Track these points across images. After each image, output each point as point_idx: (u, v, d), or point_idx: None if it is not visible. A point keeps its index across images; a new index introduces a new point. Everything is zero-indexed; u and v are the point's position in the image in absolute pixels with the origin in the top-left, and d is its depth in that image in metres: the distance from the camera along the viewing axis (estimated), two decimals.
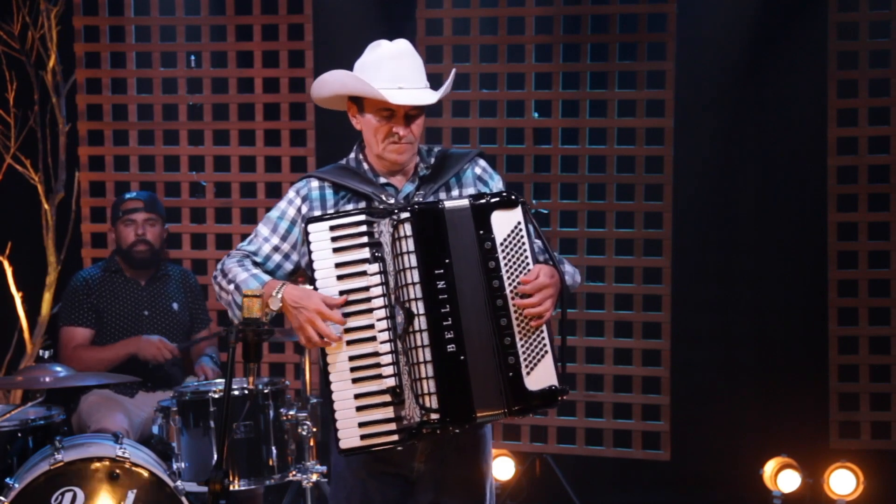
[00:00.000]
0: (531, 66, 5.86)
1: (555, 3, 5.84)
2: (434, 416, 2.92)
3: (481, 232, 3.00)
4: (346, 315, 2.98)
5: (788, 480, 5.54)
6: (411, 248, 2.96)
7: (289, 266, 3.21)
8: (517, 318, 2.99)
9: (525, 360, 2.99)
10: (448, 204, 3.01)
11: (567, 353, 3.11)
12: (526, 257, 3.02)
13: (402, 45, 3.18)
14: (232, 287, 3.12)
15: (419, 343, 2.93)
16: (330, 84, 3.20)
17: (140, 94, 5.99)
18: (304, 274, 3.21)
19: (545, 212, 5.83)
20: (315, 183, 3.22)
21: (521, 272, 3.01)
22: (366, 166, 3.22)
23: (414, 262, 2.95)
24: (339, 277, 3.00)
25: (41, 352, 4.46)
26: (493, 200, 3.02)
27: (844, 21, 5.66)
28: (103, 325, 4.98)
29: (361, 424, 2.96)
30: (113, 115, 6.00)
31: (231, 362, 3.14)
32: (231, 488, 4.40)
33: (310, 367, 4.92)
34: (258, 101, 5.95)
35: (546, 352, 3.00)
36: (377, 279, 2.98)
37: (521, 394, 2.97)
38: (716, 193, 5.94)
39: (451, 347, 2.93)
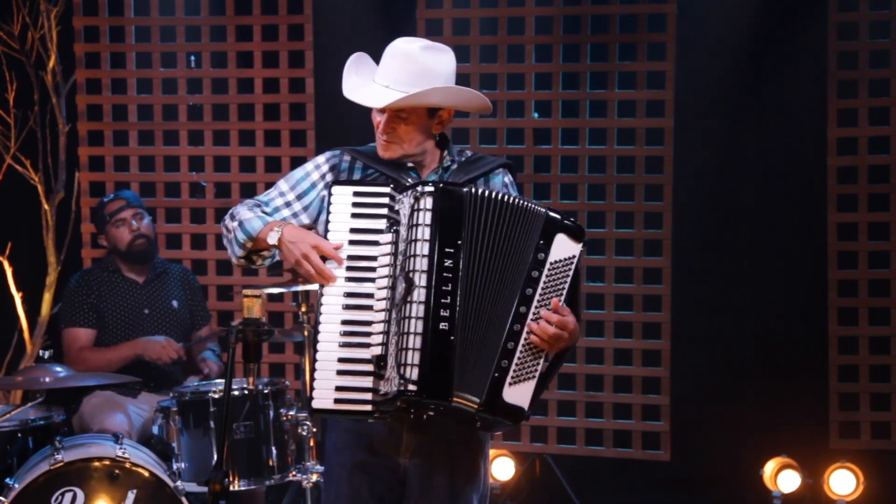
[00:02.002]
0: (531, 66, 5.86)
1: (555, 4, 5.84)
2: (412, 387, 2.88)
3: (541, 242, 3.02)
4: (349, 280, 2.99)
5: (788, 480, 5.55)
6: (427, 221, 2.96)
7: (295, 222, 3.20)
8: (527, 333, 3.00)
9: (514, 372, 2.99)
10: (515, 201, 3.01)
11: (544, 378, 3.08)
12: (563, 288, 3.04)
13: (408, 46, 3.16)
14: (235, 224, 3.14)
15: (413, 314, 2.91)
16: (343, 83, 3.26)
17: (140, 95, 5.99)
18: None
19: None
20: (347, 157, 3.24)
21: (551, 295, 3.02)
22: None
23: (427, 236, 2.95)
24: (351, 242, 3.01)
25: (41, 352, 4.46)
26: (566, 223, 3.06)
27: (844, 21, 5.66)
28: (104, 324, 4.98)
29: (339, 388, 2.94)
30: (113, 116, 6.00)
31: (231, 362, 3.14)
32: (231, 488, 4.40)
33: (309, 367, 4.91)
34: (258, 101, 5.95)
35: (533, 377, 3.01)
36: (387, 248, 2.98)
37: (494, 398, 2.97)
38: (716, 193, 5.94)
39: (443, 325, 2.92)
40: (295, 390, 5.64)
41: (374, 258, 2.99)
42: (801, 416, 5.76)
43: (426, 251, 2.94)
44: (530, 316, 2.99)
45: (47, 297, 5.70)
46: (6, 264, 5.67)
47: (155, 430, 4.56)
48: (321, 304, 2.99)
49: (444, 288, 2.93)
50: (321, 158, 3.26)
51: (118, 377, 4.66)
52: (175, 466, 4.36)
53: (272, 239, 3.06)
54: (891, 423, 5.65)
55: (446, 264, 2.94)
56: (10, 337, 5.73)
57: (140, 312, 5.03)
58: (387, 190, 3.03)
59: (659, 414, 5.79)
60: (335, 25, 5.93)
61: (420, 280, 2.93)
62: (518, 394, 3.00)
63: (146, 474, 4.17)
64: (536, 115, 5.88)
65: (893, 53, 5.63)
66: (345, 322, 2.98)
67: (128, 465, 4.14)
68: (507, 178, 3.30)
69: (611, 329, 5.82)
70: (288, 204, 3.21)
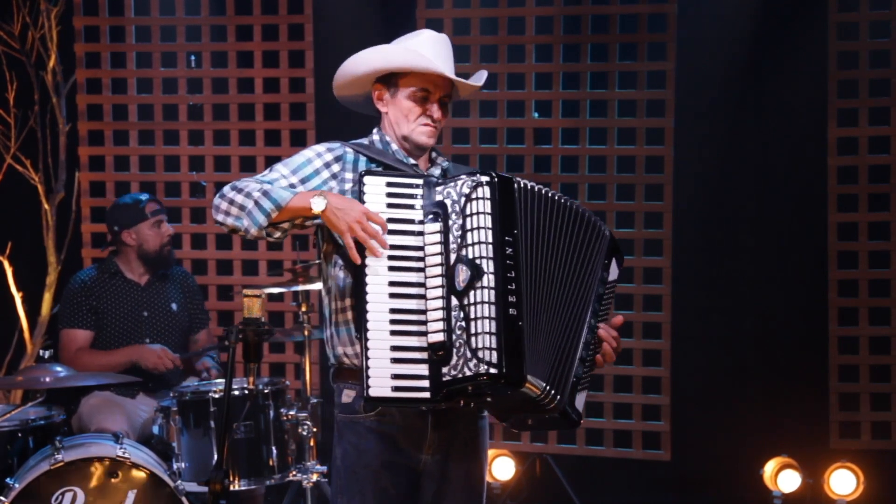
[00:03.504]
0: (531, 66, 5.86)
1: (555, 3, 5.84)
2: (493, 370, 2.88)
3: (606, 262, 3.19)
4: (393, 269, 2.98)
5: (788, 480, 5.54)
6: (488, 208, 2.96)
7: None
8: (593, 344, 3.16)
9: (583, 380, 3.12)
10: (563, 200, 3.11)
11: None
12: (611, 306, 3.22)
13: (444, 36, 3.26)
14: (257, 193, 3.05)
15: (485, 299, 2.91)
16: (369, 59, 3.22)
17: (140, 94, 5.99)
18: (331, 240, 3.18)
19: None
20: (349, 149, 3.22)
21: (607, 314, 3.20)
22: (394, 147, 3.25)
23: (489, 223, 2.95)
24: (390, 232, 3.00)
25: (41, 352, 4.46)
26: (619, 247, 3.26)
27: (844, 21, 5.66)
28: (103, 326, 4.98)
29: (395, 376, 2.93)
30: (113, 115, 6.01)
31: (231, 362, 3.14)
32: (231, 488, 4.40)
33: (310, 367, 4.92)
34: (258, 101, 5.96)
35: (587, 387, 3.16)
36: (436, 237, 2.98)
37: (571, 402, 3.06)
38: (716, 193, 5.94)
39: (512, 311, 2.93)
40: (295, 390, 5.64)
41: (418, 248, 2.99)
42: (801, 416, 5.76)
43: (490, 238, 2.95)
44: (598, 327, 3.15)
45: (47, 297, 5.70)
46: (6, 264, 5.68)
47: (155, 430, 4.56)
48: (367, 294, 2.96)
49: (508, 275, 2.95)
50: (321, 148, 3.22)
51: (118, 377, 4.66)
52: (175, 466, 4.36)
53: (318, 206, 3.00)
54: (891, 423, 5.65)
55: (508, 252, 2.96)
56: (10, 337, 5.73)
57: (139, 315, 5.02)
58: (420, 181, 3.04)
59: (659, 414, 5.79)
60: (335, 25, 5.93)
61: (488, 266, 2.93)
62: (581, 401, 3.13)
63: (146, 474, 4.17)
64: (536, 114, 5.88)
65: (893, 53, 5.64)
66: (394, 311, 2.97)
67: (128, 465, 4.14)
68: None
69: None
70: (292, 186, 3.14)
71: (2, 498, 4.03)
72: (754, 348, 5.93)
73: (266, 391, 4.51)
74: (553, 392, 2.98)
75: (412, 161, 3.23)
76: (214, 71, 5.97)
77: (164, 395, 4.73)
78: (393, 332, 2.95)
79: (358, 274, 3.00)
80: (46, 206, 5.77)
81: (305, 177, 3.17)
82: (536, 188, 3.07)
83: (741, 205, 5.94)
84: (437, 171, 3.26)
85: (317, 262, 4.06)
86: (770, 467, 5.59)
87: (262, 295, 3.10)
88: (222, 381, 4.74)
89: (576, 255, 3.11)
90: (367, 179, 3.02)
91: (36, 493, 4.06)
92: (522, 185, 3.04)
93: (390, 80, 3.22)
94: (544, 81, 5.87)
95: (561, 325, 3.05)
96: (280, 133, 5.99)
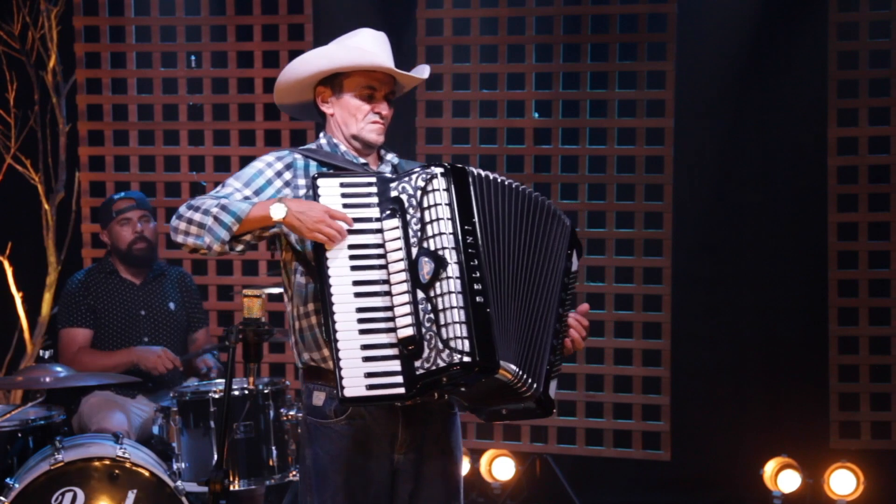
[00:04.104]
0: (531, 66, 5.86)
1: (555, 3, 5.84)
2: (466, 358, 2.87)
3: (569, 252, 3.19)
4: (356, 269, 2.99)
5: (788, 480, 5.54)
6: (445, 200, 2.97)
7: None
8: (562, 333, 3.15)
9: (555, 368, 3.11)
10: (543, 200, 3.15)
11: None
12: (574, 296, 3.22)
13: (381, 34, 3.30)
14: (215, 209, 3.04)
15: (451, 289, 2.91)
16: (315, 62, 3.24)
17: (140, 94, 5.99)
18: (289, 248, 3.19)
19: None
20: (298, 155, 3.24)
21: (573, 304, 3.20)
22: (343, 148, 3.26)
23: (447, 214, 2.95)
24: (349, 233, 3.00)
25: (41, 352, 4.47)
26: (578, 241, 3.25)
27: (844, 21, 5.66)
28: (100, 325, 4.98)
29: (369, 374, 2.93)
30: (113, 115, 6.01)
31: (231, 362, 3.13)
32: (231, 488, 4.40)
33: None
34: (258, 101, 5.95)
35: (557, 375, 3.14)
36: (396, 233, 2.99)
37: (546, 389, 3.06)
38: (716, 193, 5.94)
39: (479, 298, 2.93)
40: (295, 390, 5.64)
41: (379, 245, 2.99)
42: (801, 416, 5.76)
43: (450, 229, 2.95)
44: (564, 315, 3.14)
45: (47, 297, 5.70)
46: (6, 264, 5.67)
47: (155, 430, 4.56)
48: (331, 296, 2.96)
49: (472, 263, 2.95)
50: (270, 157, 3.23)
51: (118, 377, 4.66)
52: (175, 466, 4.37)
53: (278, 213, 3.00)
54: (891, 423, 5.65)
55: (468, 241, 2.96)
56: (10, 337, 5.73)
57: (136, 314, 5.02)
58: (373, 179, 3.05)
59: (659, 414, 5.79)
60: (335, 25, 5.90)
61: (450, 257, 2.93)
62: (553, 389, 3.12)
63: (146, 474, 4.17)
64: (537, 114, 5.88)
65: (893, 53, 5.63)
66: (361, 309, 2.96)
67: (128, 465, 4.14)
68: None
69: (611, 329, 5.82)
70: (246, 199, 3.14)
71: (2, 498, 4.03)
72: (754, 348, 5.92)
73: (266, 391, 4.51)
74: (526, 377, 2.98)
75: (362, 160, 3.25)
76: (214, 71, 5.97)
77: (164, 396, 4.74)
78: (362, 332, 2.95)
79: (321, 278, 2.99)
80: (46, 206, 5.77)
81: (259, 188, 3.17)
82: (491, 177, 3.06)
83: (741, 205, 5.93)
84: (387, 169, 3.27)
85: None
86: (770, 467, 5.59)
87: (262, 295, 3.10)
88: (222, 381, 4.74)
89: (538, 242, 3.10)
90: (320, 182, 3.03)
91: (36, 494, 4.06)
92: (477, 175, 3.04)
93: (334, 81, 3.24)
94: (544, 81, 5.87)
95: (529, 311, 3.05)
96: (280, 133, 5.99)
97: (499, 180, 3.08)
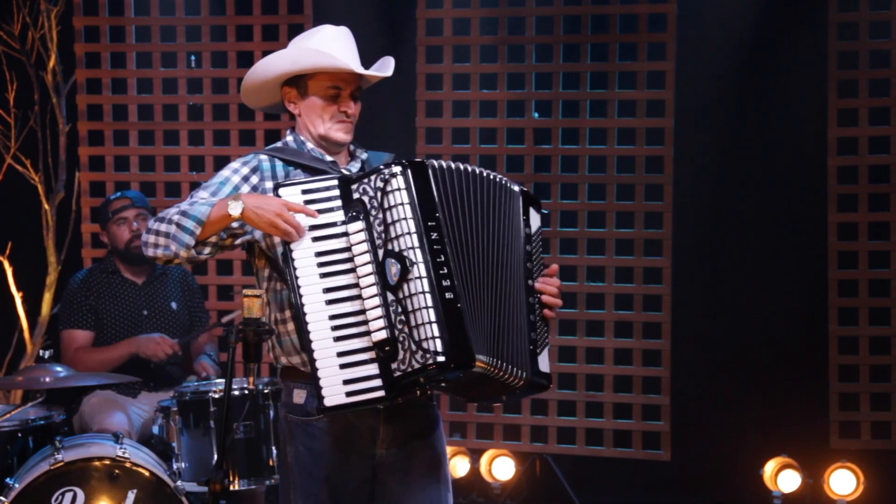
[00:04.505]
0: (531, 66, 5.86)
1: (555, 3, 5.84)
2: (440, 358, 2.88)
3: (524, 217, 3.16)
4: (325, 276, 2.98)
5: (788, 480, 5.55)
6: (405, 199, 2.96)
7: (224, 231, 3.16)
8: (537, 305, 3.13)
9: (540, 342, 3.11)
10: (458, 165, 3.08)
11: (565, 353, 3.18)
12: (541, 256, 3.18)
13: (344, 28, 3.33)
14: (176, 216, 3.05)
15: (419, 289, 2.91)
16: (278, 63, 3.25)
17: (140, 94, 5.99)
18: (262, 255, 3.19)
19: (545, 212, 5.83)
20: (264, 156, 3.23)
21: (540, 267, 3.17)
22: (309, 146, 3.26)
23: (409, 213, 2.95)
24: (315, 239, 3.00)
25: (41, 352, 4.46)
26: (533, 197, 3.21)
27: (844, 21, 5.66)
28: (103, 325, 4.98)
29: (347, 381, 2.93)
30: (113, 115, 6.01)
31: (231, 362, 3.13)
32: (231, 488, 4.40)
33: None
34: None
35: (548, 344, 3.14)
36: (361, 236, 2.98)
37: (535, 368, 3.07)
38: (716, 193, 5.94)
39: (448, 295, 2.93)
40: None
41: (345, 249, 2.99)
42: (801, 416, 5.76)
43: (413, 228, 2.95)
44: (535, 286, 3.12)
45: (47, 297, 5.70)
46: (6, 264, 5.68)
47: (155, 430, 4.56)
48: (303, 306, 2.97)
49: (438, 260, 2.94)
50: (236, 164, 3.23)
51: (118, 377, 4.66)
52: (175, 466, 4.36)
53: (235, 210, 3.00)
54: (891, 423, 5.65)
55: (433, 237, 2.95)
56: (10, 337, 5.73)
57: (139, 313, 5.03)
58: (334, 182, 3.04)
59: (659, 414, 5.79)
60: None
61: (415, 256, 2.93)
62: (544, 361, 3.12)
63: (146, 474, 4.17)
64: (536, 114, 5.88)
65: (893, 53, 5.63)
66: (333, 317, 2.97)
67: (128, 465, 4.14)
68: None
69: (611, 329, 5.82)
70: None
71: (2, 498, 4.03)
72: (754, 348, 5.92)
73: (266, 391, 4.50)
74: (506, 364, 2.99)
75: (329, 158, 3.24)
76: (214, 71, 5.97)
77: (166, 393, 4.74)
78: (336, 339, 2.96)
79: (291, 286, 3.00)
80: (46, 206, 5.77)
81: (225, 196, 3.14)
82: (452, 166, 3.06)
83: (741, 205, 5.93)
84: (356, 166, 3.27)
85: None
86: (770, 467, 5.60)
87: (262, 295, 3.10)
88: (222, 381, 4.74)
89: (497, 221, 3.09)
90: (281, 192, 3.03)
91: (36, 493, 4.06)
92: (437, 166, 3.04)
93: (299, 81, 3.25)
94: (544, 81, 5.87)
95: (500, 296, 3.05)
96: (280, 133, 5.98)
97: (460, 168, 3.07)
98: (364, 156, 3.32)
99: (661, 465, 5.82)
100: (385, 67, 3.29)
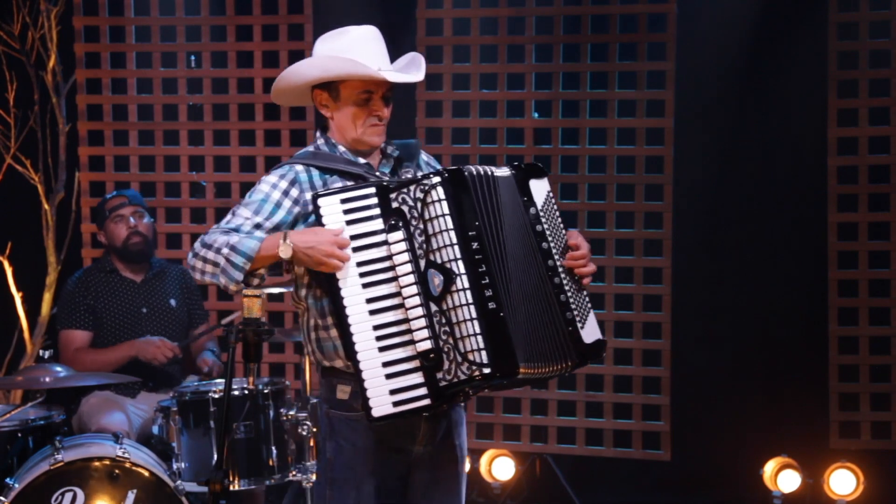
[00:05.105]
0: (531, 66, 5.86)
1: (555, 3, 5.84)
2: (486, 370, 2.93)
3: (525, 199, 3.14)
4: (367, 286, 3.01)
5: (788, 480, 5.55)
6: (445, 210, 2.99)
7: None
8: (567, 277, 3.12)
9: (578, 316, 3.11)
10: (489, 170, 3.08)
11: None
12: (560, 222, 3.19)
13: (372, 28, 3.32)
14: (226, 250, 3.05)
15: (462, 302, 2.95)
16: (308, 71, 3.26)
17: (140, 94, 5.99)
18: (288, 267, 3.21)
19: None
20: (300, 167, 3.22)
21: (560, 235, 3.16)
22: (342, 149, 3.25)
23: (450, 225, 2.98)
24: (356, 249, 3.02)
25: (41, 352, 4.47)
26: (530, 168, 3.18)
27: (844, 21, 5.66)
28: (102, 324, 4.98)
29: (393, 391, 2.98)
30: (113, 115, 6.01)
31: (231, 362, 3.13)
32: (231, 488, 4.39)
33: (310, 367, 4.91)
34: (258, 101, 5.95)
35: (590, 308, 3.16)
36: (402, 246, 3.01)
37: (580, 346, 3.10)
38: (716, 193, 5.94)
39: (491, 305, 2.97)
40: (295, 390, 5.64)
41: (386, 258, 3.02)
42: (801, 416, 5.76)
43: (455, 240, 2.98)
44: (558, 262, 3.11)
45: (47, 297, 5.70)
46: (6, 264, 5.68)
47: (155, 430, 4.56)
48: (347, 317, 3.00)
49: (480, 270, 2.98)
50: (273, 178, 3.20)
51: (118, 377, 4.67)
52: (175, 466, 4.36)
53: (285, 253, 3.02)
54: (891, 423, 5.65)
55: (474, 247, 2.99)
56: (10, 337, 5.73)
57: (138, 312, 5.03)
58: (373, 190, 3.06)
59: (659, 414, 5.79)
60: (335, 25, 5.86)
61: (458, 268, 2.96)
62: (591, 329, 3.13)
63: (146, 474, 4.17)
64: (536, 114, 5.88)
65: (893, 53, 5.63)
66: (377, 327, 3.01)
67: (128, 465, 4.14)
68: (425, 156, 3.41)
69: (611, 329, 5.82)
70: (259, 226, 3.13)
71: (2, 498, 4.03)
72: (754, 348, 5.93)
73: (266, 391, 4.50)
74: (547, 364, 3.04)
75: (363, 161, 3.24)
76: (214, 71, 5.97)
77: (166, 394, 4.73)
78: (381, 349, 3.00)
79: (334, 297, 3.03)
80: (46, 206, 5.77)
81: (269, 214, 3.16)
82: (486, 173, 3.08)
83: (741, 204, 5.93)
84: (388, 166, 3.27)
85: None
86: (770, 467, 5.59)
87: (262, 295, 3.10)
88: (222, 380, 4.74)
89: (510, 217, 3.10)
90: (321, 202, 3.04)
91: (36, 493, 4.06)
92: (475, 173, 3.05)
93: (330, 85, 3.24)
94: (544, 81, 5.86)
95: (530, 291, 3.07)
96: (280, 133, 5.99)
97: (492, 175, 3.09)
98: (396, 153, 3.31)
99: (661, 465, 5.82)
100: (414, 70, 3.28)
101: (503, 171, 3.13)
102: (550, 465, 5.76)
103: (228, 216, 3.18)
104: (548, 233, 3.14)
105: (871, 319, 5.67)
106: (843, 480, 5.50)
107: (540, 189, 3.17)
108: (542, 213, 3.15)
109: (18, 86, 5.74)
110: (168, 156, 6.00)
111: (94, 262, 5.25)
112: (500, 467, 5.80)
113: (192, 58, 5.97)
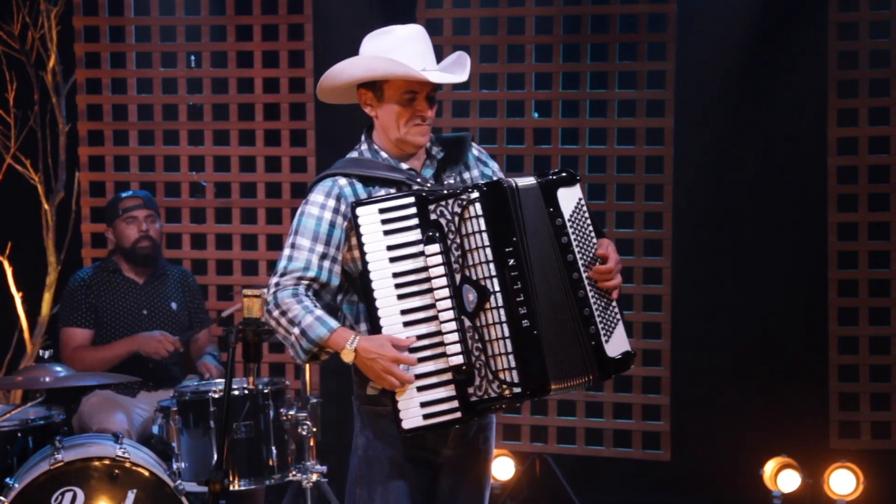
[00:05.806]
0: (531, 66, 5.86)
1: (555, 3, 5.84)
2: (516, 389, 2.96)
3: (551, 209, 3.10)
4: (402, 297, 3.02)
5: (788, 480, 5.54)
6: (482, 227, 2.99)
7: (338, 268, 3.18)
8: (592, 290, 3.10)
9: (603, 329, 3.09)
10: (514, 182, 3.07)
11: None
12: (590, 231, 3.15)
13: (417, 28, 3.30)
14: (297, 331, 3.08)
15: (496, 319, 2.97)
16: (352, 71, 3.22)
17: (140, 94, 5.99)
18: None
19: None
20: (343, 181, 3.19)
21: (588, 245, 3.13)
22: (384, 154, 3.24)
23: (486, 241, 2.99)
24: (392, 259, 3.03)
25: (41, 352, 4.47)
26: (558, 177, 3.12)
27: (844, 21, 5.66)
28: (102, 324, 4.99)
29: (424, 404, 3.00)
30: (113, 115, 6.00)
31: (231, 362, 3.14)
32: (231, 488, 4.40)
33: (309, 367, 4.92)
34: (258, 101, 5.95)
35: (618, 319, 3.14)
36: (438, 259, 3.01)
37: (603, 361, 3.09)
38: (716, 193, 5.94)
39: (525, 323, 2.97)
40: (295, 390, 5.64)
41: (422, 269, 3.03)
42: (801, 416, 5.76)
43: (490, 256, 2.99)
44: (584, 277, 3.08)
45: (47, 297, 5.70)
46: (6, 264, 5.68)
47: (155, 429, 4.56)
48: (382, 328, 3.01)
49: (515, 287, 2.99)
50: (319, 197, 3.18)
51: (118, 377, 4.66)
52: (175, 466, 4.37)
53: (347, 357, 3.04)
54: (891, 423, 5.65)
55: (510, 263, 2.99)
56: (10, 337, 5.73)
57: (139, 313, 5.03)
58: (412, 200, 3.05)
59: (659, 414, 5.79)
60: (335, 25, 5.92)
61: (493, 286, 2.97)
62: (616, 343, 3.11)
63: (146, 474, 4.17)
64: (536, 114, 5.88)
65: (893, 53, 5.63)
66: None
67: (128, 465, 4.15)
68: (475, 151, 3.37)
69: None
70: (324, 255, 3.13)
71: (2, 498, 4.03)
72: (754, 348, 5.93)
73: (266, 391, 4.51)
74: (573, 379, 3.04)
75: (405, 166, 3.22)
76: (214, 71, 5.97)
77: (166, 393, 4.73)
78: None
79: (369, 307, 3.04)
80: (46, 206, 5.77)
81: (327, 237, 3.15)
82: (523, 185, 3.06)
83: (741, 205, 5.93)
84: (430, 170, 3.25)
85: None
86: (770, 467, 5.59)
87: (262, 295, 3.11)
88: (222, 380, 4.74)
89: (542, 230, 3.08)
90: (359, 211, 3.05)
91: (36, 493, 4.06)
92: (514, 186, 3.05)
93: (375, 85, 3.22)
94: (544, 81, 5.86)
95: (556, 306, 3.06)
96: (280, 133, 5.99)
97: (528, 186, 3.07)
98: (441, 154, 3.28)
99: (661, 465, 5.82)
100: (459, 69, 3.26)
101: (528, 182, 3.10)
102: (550, 465, 5.76)
103: (288, 250, 3.16)
104: (574, 244, 3.11)
105: (871, 319, 5.67)
106: (842, 480, 5.50)
107: (569, 197, 3.13)
108: (569, 223, 3.11)
109: (18, 86, 5.74)
110: (168, 156, 6.00)
111: (99, 262, 5.25)
112: (500, 467, 5.80)
113: (192, 58, 5.97)
